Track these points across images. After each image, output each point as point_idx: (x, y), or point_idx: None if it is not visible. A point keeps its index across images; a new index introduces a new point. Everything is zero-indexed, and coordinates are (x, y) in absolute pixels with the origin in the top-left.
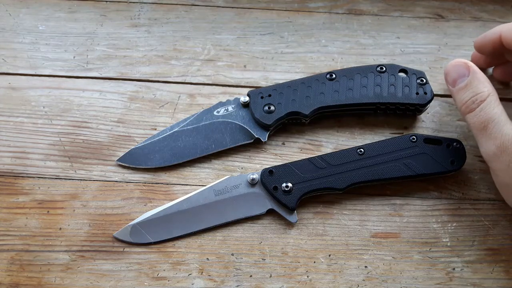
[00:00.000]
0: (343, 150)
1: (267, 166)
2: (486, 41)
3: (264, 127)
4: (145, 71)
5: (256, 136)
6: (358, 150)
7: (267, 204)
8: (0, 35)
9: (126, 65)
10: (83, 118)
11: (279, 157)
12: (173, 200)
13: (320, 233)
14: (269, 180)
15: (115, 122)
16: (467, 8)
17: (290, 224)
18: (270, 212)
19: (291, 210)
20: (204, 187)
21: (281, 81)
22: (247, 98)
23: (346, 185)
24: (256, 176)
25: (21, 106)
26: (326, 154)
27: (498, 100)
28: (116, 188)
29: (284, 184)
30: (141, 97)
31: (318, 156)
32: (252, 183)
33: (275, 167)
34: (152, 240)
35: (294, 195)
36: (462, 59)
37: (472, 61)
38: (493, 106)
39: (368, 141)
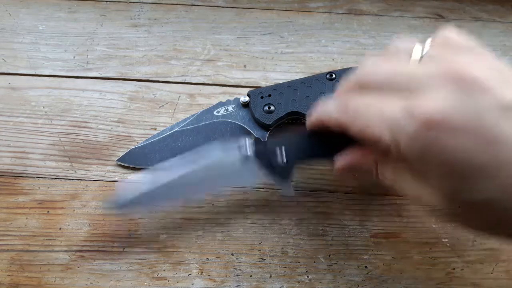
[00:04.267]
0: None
1: None
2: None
3: (264, 127)
4: (145, 71)
5: (256, 136)
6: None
7: (262, 176)
8: (0, 35)
9: (126, 65)
10: (83, 118)
11: None
12: None
13: (320, 233)
14: (262, 151)
15: (115, 122)
16: (467, 8)
17: (290, 224)
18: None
19: (286, 181)
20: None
21: (281, 81)
22: (247, 98)
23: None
24: (248, 144)
25: (21, 106)
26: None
27: None
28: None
29: (278, 155)
30: (141, 97)
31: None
32: (246, 156)
33: (268, 138)
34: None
35: (289, 166)
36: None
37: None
38: None
39: None
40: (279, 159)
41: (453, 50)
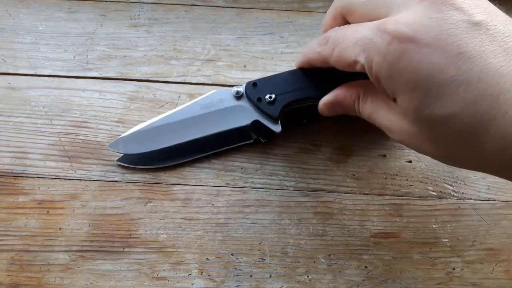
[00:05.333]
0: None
1: (268, 166)
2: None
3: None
4: (145, 71)
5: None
6: None
7: (252, 115)
8: (0, 35)
9: (126, 65)
10: (83, 118)
11: (279, 157)
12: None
13: (320, 233)
14: (253, 92)
15: (115, 122)
16: None
17: (290, 224)
18: (257, 130)
19: (275, 120)
20: (190, 102)
21: None
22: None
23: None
24: (241, 89)
25: (21, 106)
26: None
27: None
28: (116, 188)
29: (267, 95)
30: (141, 97)
31: (300, 68)
32: (237, 96)
33: (259, 80)
34: (142, 151)
35: (277, 105)
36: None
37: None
38: None
39: (368, 141)
40: (267, 98)
41: None
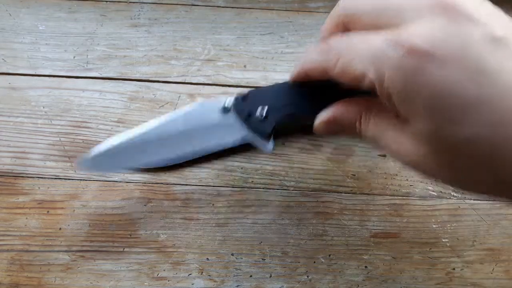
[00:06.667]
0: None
1: (268, 166)
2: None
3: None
4: (145, 71)
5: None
6: None
7: (240, 132)
8: (0, 35)
9: (126, 65)
10: (83, 118)
11: (279, 157)
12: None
13: (320, 233)
14: (242, 105)
15: (115, 122)
16: None
17: (290, 224)
18: (248, 148)
19: (266, 137)
20: (172, 113)
21: (281, 81)
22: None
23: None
24: (228, 101)
25: (21, 106)
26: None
27: None
28: (116, 188)
29: (259, 109)
30: (141, 97)
31: (294, 82)
32: (225, 109)
33: (249, 91)
34: (116, 170)
35: (269, 121)
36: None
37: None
38: None
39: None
40: (258, 113)
41: None
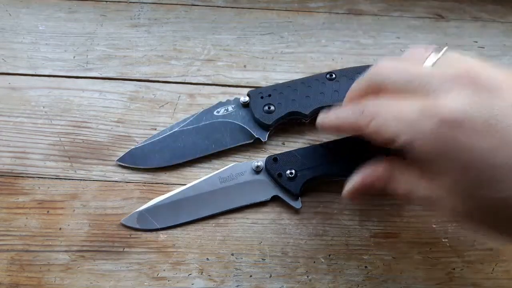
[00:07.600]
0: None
1: None
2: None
3: (264, 127)
4: (145, 71)
5: (256, 136)
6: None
7: (272, 191)
8: (0, 35)
9: (126, 65)
10: (83, 118)
11: None
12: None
13: (320, 233)
14: (273, 167)
15: (115, 122)
16: (467, 8)
17: (290, 224)
18: (276, 200)
19: (295, 196)
20: (210, 175)
21: (281, 81)
22: (247, 98)
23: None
24: (261, 163)
25: (21, 106)
26: (329, 141)
27: None
28: (116, 188)
29: (288, 171)
30: (141, 97)
31: (321, 144)
32: (257, 170)
33: (279, 154)
34: (159, 226)
35: (298, 181)
36: None
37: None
38: None
39: None
40: (288, 173)
41: (464, 58)
